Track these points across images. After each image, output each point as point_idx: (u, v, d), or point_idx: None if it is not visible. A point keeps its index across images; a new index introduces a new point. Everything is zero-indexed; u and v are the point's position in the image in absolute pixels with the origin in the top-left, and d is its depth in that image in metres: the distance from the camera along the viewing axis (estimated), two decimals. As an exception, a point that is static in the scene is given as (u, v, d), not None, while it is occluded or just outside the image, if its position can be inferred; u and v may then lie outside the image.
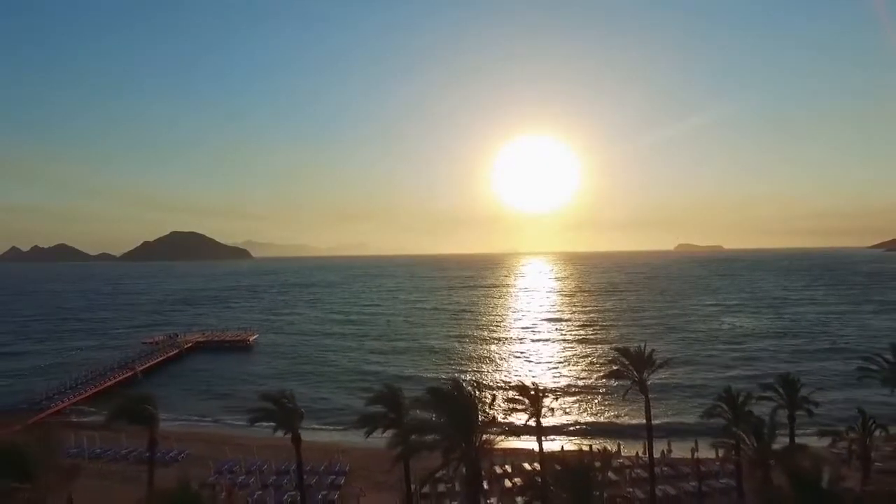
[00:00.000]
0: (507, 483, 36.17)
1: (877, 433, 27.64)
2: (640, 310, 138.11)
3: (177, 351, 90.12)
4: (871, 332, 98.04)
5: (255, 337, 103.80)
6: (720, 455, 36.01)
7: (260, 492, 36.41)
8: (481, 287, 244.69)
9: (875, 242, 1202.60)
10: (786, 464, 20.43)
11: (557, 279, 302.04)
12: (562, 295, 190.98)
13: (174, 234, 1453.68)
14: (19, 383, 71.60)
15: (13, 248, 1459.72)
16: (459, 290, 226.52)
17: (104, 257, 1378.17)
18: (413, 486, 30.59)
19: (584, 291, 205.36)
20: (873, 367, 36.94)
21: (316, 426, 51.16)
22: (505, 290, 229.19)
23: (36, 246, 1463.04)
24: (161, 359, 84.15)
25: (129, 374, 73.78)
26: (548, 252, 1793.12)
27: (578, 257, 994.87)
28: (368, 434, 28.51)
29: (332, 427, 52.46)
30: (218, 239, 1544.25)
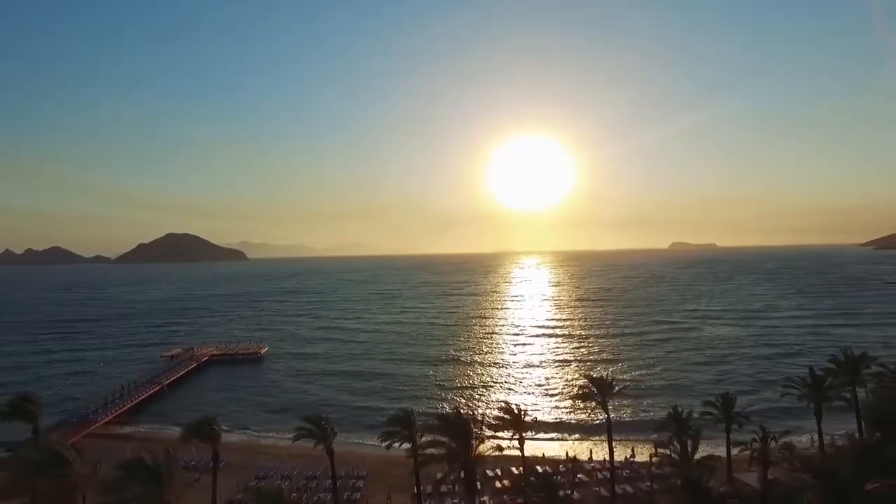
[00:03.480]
0: (497, 484, 44.30)
1: (772, 443, 35.80)
2: (626, 322, 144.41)
3: (195, 364, 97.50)
4: (837, 346, 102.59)
5: (265, 350, 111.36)
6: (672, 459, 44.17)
7: (295, 494, 44.25)
8: (473, 295, 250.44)
9: (867, 240, 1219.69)
10: (687, 468, 28.60)
11: (548, 285, 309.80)
12: (551, 305, 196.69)
13: (169, 235, 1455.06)
14: (58, 398, 78.20)
15: (7, 251, 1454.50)
16: (452, 298, 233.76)
17: (99, 259, 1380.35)
18: (421, 488, 38.68)
19: (573, 300, 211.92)
20: (794, 386, 45.49)
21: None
22: (496, 297, 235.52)
23: (30, 248, 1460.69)
24: (182, 373, 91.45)
25: (157, 388, 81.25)
26: (542, 251, 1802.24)
27: (573, 256, 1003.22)
28: (388, 447, 36.61)
29: (348, 435, 59.82)
30: (213, 241, 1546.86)
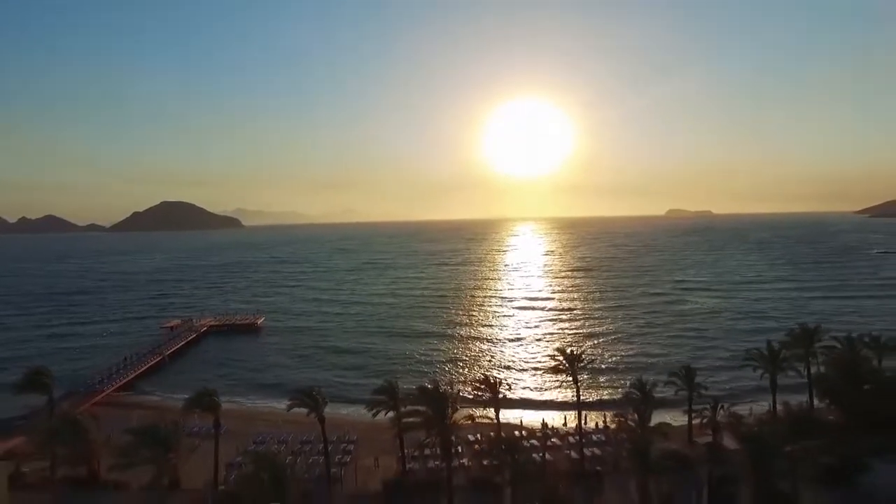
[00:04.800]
0: (476, 447, 48.07)
1: (720, 411, 39.59)
2: (613, 294, 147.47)
3: (194, 335, 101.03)
4: (815, 319, 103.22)
5: (262, 320, 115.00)
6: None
7: (290, 457, 47.92)
8: (463, 265, 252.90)
9: (862, 207, 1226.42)
10: (645, 433, 32.24)
11: (540, 254, 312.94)
12: (539, 277, 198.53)
13: (164, 203, 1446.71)
14: (63, 371, 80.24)
15: (0, 220, 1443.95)
16: (443, 268, 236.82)
17: (93, 228, 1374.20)
18: (405, 451, 42.43)
19: (563, 271, 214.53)
20: (753, 359, 49.19)
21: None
22: (485, 268, 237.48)
23: (23, 217, 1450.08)
24: (182, 343, 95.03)
25: (158, 358, 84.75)
26: (537, 218, 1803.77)
27: (568, 224, 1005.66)
28: (374, 415, 40.25)
29: (339, 405, 63.26)
30: (208, 208, 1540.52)
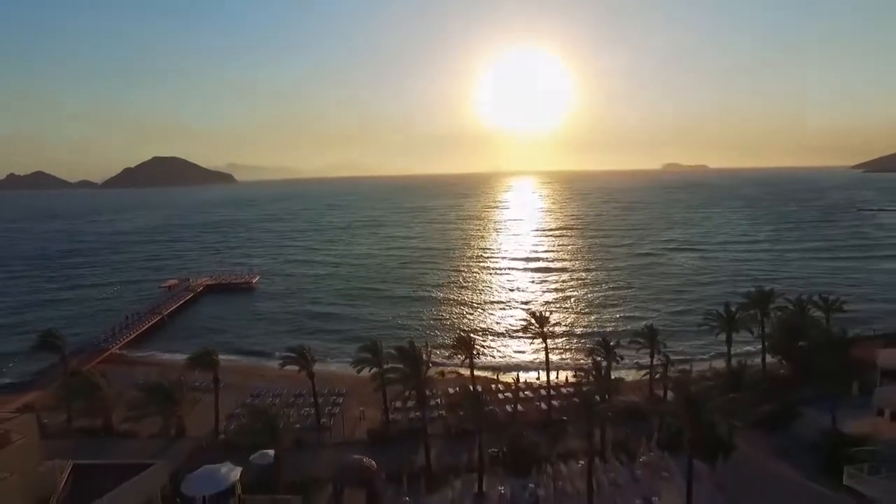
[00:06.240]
0: (455, 399, 52.58)
1: (671, 367, 43.88)
2: (599, 254, 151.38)
3: (192, 295, 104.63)
4: (786, 280, 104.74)
5: (257, 279, 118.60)
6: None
7: (285, 409, 52.30)
8: (455, 222, 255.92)
9: (858, 162, 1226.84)
10: (603, 386, 36.54)
11: (532, 211, 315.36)
12: (527, 236, 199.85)
13: (156, 159, 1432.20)
14: (69, 332, 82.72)
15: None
16: (435, 226, 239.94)
17: (85, 185, 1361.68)
18: (388, 404, 46.76)
19: (551, 229, 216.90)
20: (713, 320, 53.29)
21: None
22: (476, 225, 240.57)
23: (12, 174, 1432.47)
24: (180, 303, 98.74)
25: (158, 318, 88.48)
26: (535, 172, 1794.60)
27: (564, 178, 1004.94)
28: (359, 371, 44.41)
29: (328, 363, 67.07)
30: (201, 164, 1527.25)
